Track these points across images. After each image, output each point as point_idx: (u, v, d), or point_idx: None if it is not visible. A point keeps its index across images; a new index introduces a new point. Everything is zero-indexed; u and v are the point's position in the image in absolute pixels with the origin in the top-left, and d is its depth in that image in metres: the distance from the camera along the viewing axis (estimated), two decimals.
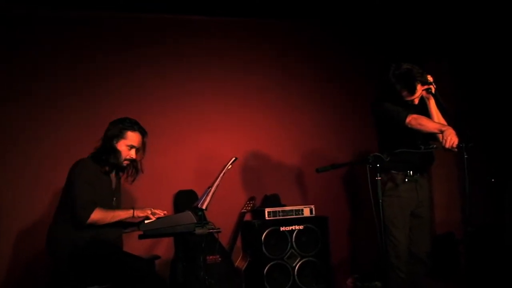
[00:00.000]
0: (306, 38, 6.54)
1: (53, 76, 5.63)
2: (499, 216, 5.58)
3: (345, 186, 6.47)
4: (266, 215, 5.67)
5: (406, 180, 4.33)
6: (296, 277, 5.64)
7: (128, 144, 4.18)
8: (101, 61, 5.78)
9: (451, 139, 3.91)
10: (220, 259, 5.40)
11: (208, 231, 4.23)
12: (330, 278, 5.81)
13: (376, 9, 6.19)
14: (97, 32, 5.82)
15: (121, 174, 4.34)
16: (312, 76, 6.50)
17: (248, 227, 5.77)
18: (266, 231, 5.61)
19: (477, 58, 6.03)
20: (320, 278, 5.71)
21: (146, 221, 4.14)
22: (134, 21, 5.94)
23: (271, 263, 5.58)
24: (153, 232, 4.14)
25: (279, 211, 5.73)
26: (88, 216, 3.96)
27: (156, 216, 4.17)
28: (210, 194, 4.36)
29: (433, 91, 4.23)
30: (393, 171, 4.34)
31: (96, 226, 4.01)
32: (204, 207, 4.32)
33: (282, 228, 5.67)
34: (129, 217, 4.15)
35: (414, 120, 4.12)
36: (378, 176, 4.03)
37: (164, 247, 5.68)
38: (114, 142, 4.15)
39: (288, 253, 5.67)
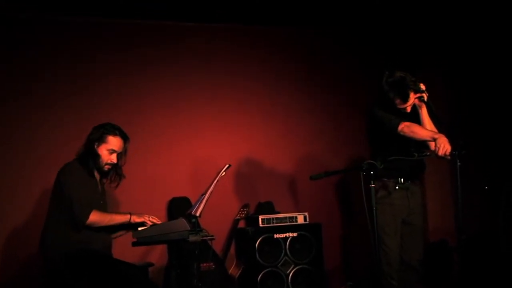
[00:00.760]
0: (301, 45, 6.56)
1: (51, 78, 5.64)
2: (493, 223, 5.59)
3: (338, 193, 6.47)
4: (260, 222, 5.67)
5: (397, 187, 4.34)
6: (290, 284, 5.62)
7: (109, 149, 4.19)
8: (97, 65, 5.79)
9: (444, 146, 3.92)
10: (213, 266, 5.40)
11: (201, 238, 4.23)
12: (324, 285, 5.80)
13: (371, 17, 6.22)
14: (94, 36, 5.83)
15: (104, 180, 4.35)
16: (307, 82, 6.51)
17: (242, 234, 5.76)
18: (260, 238, 5.60)
19: (470, 66, 6.05)
20: (314, 285, 5.70)
21: (139, 228, 4.14)
22: (131, 26, 5.95)
23: (265, 270, 5.57)
24: (146, 239, 4.14)
25: (273, 218, 5.73)
26: (87, 217, 3.99)
27: (150, 223, 4.17)
28: (204, 201, 4.36)
29: (425, 99, 4.24)
30: (384, 179, 4.35)
31: (88, 231, 4.02)
32: (197, 214, 4.32)
33: (276, 235, 5.67)
34: (125, 222, 4.15)
35: (407, 128, 4.13)
36: (372, 183, 4.03)
37: (157, 254, 5.67)
38: (95, 146, 4.18)
39: (282, 261, 5.66)
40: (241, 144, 6.19)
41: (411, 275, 4.45)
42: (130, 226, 4.23)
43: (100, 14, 5.74)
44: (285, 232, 5.69)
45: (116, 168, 4.30)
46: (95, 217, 4.03)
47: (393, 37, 6.55)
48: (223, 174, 4.49)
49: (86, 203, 4.04)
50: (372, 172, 4.01)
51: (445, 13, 5.87)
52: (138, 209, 4.72)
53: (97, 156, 4.17)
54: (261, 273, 5.54)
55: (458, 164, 3.87)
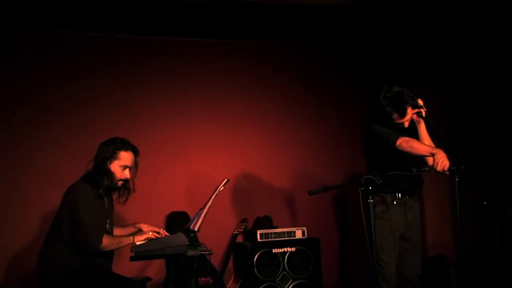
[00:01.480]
0: (300, 60, 6.58)
1: (44, 95, 5.64)
2: (491, 238, 5.60)
3: (336, 208, 6.47)
4: (258, 237, 5.66)
5: (395, 202, 4.34)
6: None
7: (121, 165, 4.14)
8: (91, 81, 5.80)
9: (442, 162, 3.92)
10: (211, 281, 5.37)
11: (200, 252, 4.23)
12: None
13: (370, 33, 6.25)
14: (86, 52, 5.84)
15: (113, 193, 4.29)
16: (305, 97, 6.53)
17: (240, 249, 5.75)
18: (258, 253, 5.60)
19: (466, 82, 6.08)
20: None
21: (138, 243, 4.13)
22: (125, 42, 5.97)
23: (263, 285, 5.56)
24: (144, 253, 4.12)
25: (271, 233, 5.73)
26: (101, 242, 3.94)
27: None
28: (202, 215, 4.36)
29: (423, 114, 4.24)
30: (382, 194, 4.34)
31: (91, 253, 3.99)
32: (196, 228, 4.31)
33: (274, 250, 5.66)
34: (130, 244, 4.13)
35: (405, 143, 4.12)
36: (370, 198, 4.02)
37: (155, 269, 5.66)
38: (107, 163, 4.11)
39: (280, 275, 5.65)
40: (239, 159, 6.20)
41: None
42: None
43: (95, 28, 5.75)
44: (284, 247, 5.68)
45: (126, 183, 4.24)
46: (107, 242, 3.99)
47: (390, 52, 6.57)
48: (221, 189, 4.50)
49: (99, 228, 3.98)
50: (370, 187, 4.01)
51: (441, 28, 5.89)
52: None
53: (111, 173, 4.10)
54: None
55: (457, 179, 3.88)
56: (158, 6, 5.38)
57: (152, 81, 6.01)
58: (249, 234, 5.86)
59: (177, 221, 5.69)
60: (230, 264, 5.81)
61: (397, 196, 4.34)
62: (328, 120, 6.57)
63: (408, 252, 4.43)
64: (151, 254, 4.15)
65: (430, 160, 4.11)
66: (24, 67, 5.62)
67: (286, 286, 5.64)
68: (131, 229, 4.40)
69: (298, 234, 5.81)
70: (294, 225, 6.08)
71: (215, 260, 5.61)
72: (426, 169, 4.17)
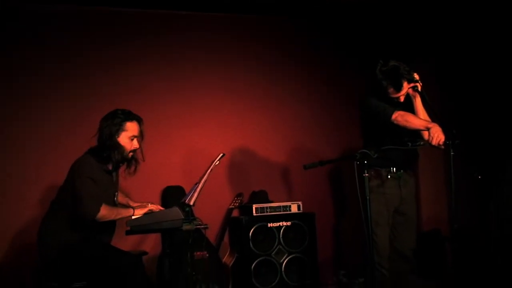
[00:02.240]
0: (295, 35, 6.55)
1: (41, 73, 5.63)
2: (486, 213, 5.62)
3: (331, 182, 6.49)
4: (254, 211, 5.68)
5: (389, 176, 4.34)
6: (283, 273, 5.65)
7: (130, 136, 4.11)
8: (87, 56, 5.78)
9: (438, 136, 3.92)
10: (207, 255, 5.40)
11: (195, 227, 4.24)
12: (317, 274, 5.82)
13: (366, 8, 6.21)
14: (83, 27, 5.83)
15: (121, 165, 4.25)
16: (300, 72, 6.52)
17: (236, 223, 5.77)
18: (254, 227, 5.62)
19: (463, 57, 6.06)
20: (307, 274, 5.72)
21: (133, 217, 4.13)
22: (121, 16, 5.94)
23: (259, 259, 5.60)
24: (140, 228, 4.13)
25: (266, 207, 5.74)
26: (98, 211, 3.92)
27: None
28: (198, 190, 4.36)
29: (419, 89, 4.23)
30: (377, 168, 4.35)
31: (92, 226, 4.00)
32: (191, 203, 4.32)
33: (269, 224, 5.68)
34: (129, 216, 4.12)
35: (401, 117, 4.12)
36: (365, 173, 4.02)
37: (151, 243, 5.68)
38: (116, 137, 4.07)
39: (276, 249, 5.68)
40: (235, 133, 6.20)
41: (403, 265, 4.46)
42: None
43: (91, 2, 5.72)
44: (279, 221, 5.71)
45: (134, 154, 4.21)
46: (104, 212, 3.96)
47: (387, 29, 6.54)
48: (217, 163, 4.50)
49: (96, 198, 3.97)
50: (365, 162, 4.00)
51: (437, 3, 5.86)
52: (132, 198, 4.73)
53: (120, 147, 4.08)
54: (255, 262, 5.57)
55: (452, 153, 3.88)
56: None
57: (148, 56, 5.99)
58: (245, 209, 5.88)
59: (172, 195, 5.71)
60: (226, 238, 5.84)
61: (392, 170, 4.35)
62: (325, 95, 6.56)
63: (403, 226, 4.45)
64: (147, 228, 4.16)
65: (425, 135, 4.11)
66: (24, 42, 5.60)
67: (282, 260, 5.67)
68: (135, 205, 4.39)
69: (294, 209, 5.83)
70: (290, 199, 6.10)
71: (211, 234, 5.65)
72: (422, 143, 4.17)
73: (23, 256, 5.21)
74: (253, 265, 5.56)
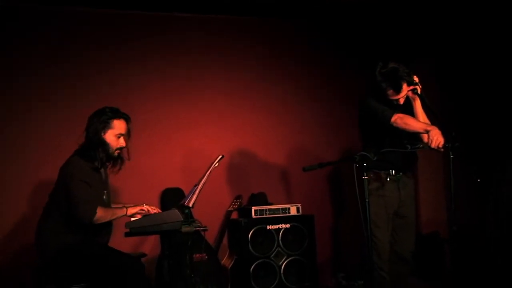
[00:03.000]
0: (295, 35, 6.55)
1: (38, 72, 5.62)
2: (485, 213, 5.62)
3: (330, 185, 6.48)
4: (253, 214, 5.68)
5: (388, 179, 4.34)
6: (282, 275, 5.64)
7: (116, 134, 4.10)
8: (87, 56, 5.78)
9: (437, 139, 3.92)
10: (206, 257, 5.41)
11: (194, 229, 4.24)
12: (316, 276, 5.82)
13: (366, 9, 6.21)
14: (83, 27, 5.82)
15: (108, 164, 4.24)
16: (300, 73, 6.51)
17: (235, 226, 5.76)
18: (253, 229, 5.61)
19: (462, 57, 6.06)
20: (306, 276, 5.72)
21: (132, 219, 4.13)
22: (122, 17, 5.93)
23: (258, 261, 5.59)
24: (139, 229, 4.13)
25: (265, 210, 5.73)
26: (94, 214, 3.92)
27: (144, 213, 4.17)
28: (197, 192, 4.36)
29: (419, 91, 4.23)
30: (376, 170, 4.35)
31: (88, 228, 4.00)
32: (190, 205, 4.32)
33: (268, 227, 5.67)
34: (123, 216, 4.12)
35: (400, 119, 4.12)
36: (365, 175, 4.01)
37: (150, 245, 5.68)
38: (101, 134, 4.07)
39: (275, 252, 5.67)
40: (234, 135, 6.19)
41: (403, 267, 4.46)
42: None
43: (89, 4, 5.72)
44: (278, 224, 5.70)
45: (120, 152, 4.21)
46: (100, 214, 3.97)
47: (387, 29, 6.54)
48: (216, 165, 4.49)
49: (92, 201, 3.97)
50: (365, 164, 4.00)
51: (438, 3, 5.87)
52: (131, 200, 4.72)
53: (106, 144, 4.08)
54: (254, 264, 5.56)
55: (451, 156, 3.88)
56: None
57: (149, 57, 5.99)
58: (244, 211, 5.87)
59: (171, 198, 5.70)
60: (225, 241, 5.83)
61: (391, 173, 4.35)
62: (325, 95, 6.56)
63: (402, 229, 4.45)
64: (146, 230, 4.15)
65: (424, 137, 4.10)
66: (24, 42, 5.60)
67: (281, 263, 5.67)
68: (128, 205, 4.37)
69: (293, 211, 5.82)
70: (289, 201, 6.10)
71: (210, 237, 5.63)
72: (421, 146, 4.17)
73: (23, 256, 5.20)
74: (252, 267, 5.55)
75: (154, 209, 4.24)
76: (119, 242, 4.54)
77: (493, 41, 5.69)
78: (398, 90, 4.18)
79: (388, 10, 6.18)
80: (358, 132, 4.65)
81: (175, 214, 4.14)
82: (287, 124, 6.40)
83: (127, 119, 4.19)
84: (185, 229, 4.15)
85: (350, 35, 6.66)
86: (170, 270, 5.11)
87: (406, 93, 4.23)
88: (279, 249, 5.69)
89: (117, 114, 4.14)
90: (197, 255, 5.32)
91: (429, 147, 3.97)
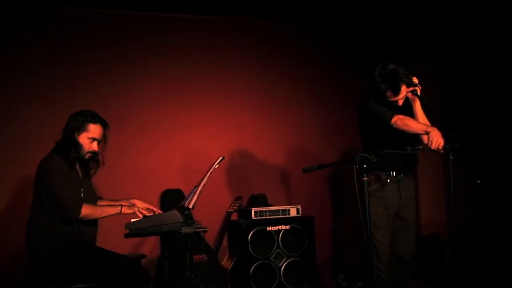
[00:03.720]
0: (295, 37, 6.55)
1: (39, 71, 5.62)
2: (484, 215, 5.62)
3: (330, 186, 6.48)
4: (253, 215, 5.67)
5: (389, 180, 4.33)
6: (282, 276, 5.64)
7: (89, 137, 4.12)
8: (87, 56, 5.78)
9: (437, 140, 3.91)
10: (206, 258, 5.40)
11: (194, 230, 4.22)
12: (316, 278, 5.82)
13: (366, 9, 6.20)
14: (83, 27, 5.82)
15: (90, 165, 4.27)
16: (300, 74, 6.51)
17: (235, 227, 5.76)
18: (253, 230, 5.61)
19: (462, 57, 6.06)
20: (306, 278, 5.72)
21: (132, 220, 4.12)
22: (122, 17, 5.94)
23: (257, 262, 5.59)
24: (139, 231, 4.12)
25: (265, 211, 5.73)
26: (79, 212, 3.94)
27: (141, 216, 4.16)
28: (197, 193, 4.35)
29: (418, 93, 4.22)
30: (376, 172, 4.34)
31: (76, 224, 4.00)
32: (191, 206, 4.31)
33: (268, 228, 5.68)
34: (116, 214, 4.11)
35: (400, 121, 4.11)
36: (365, 176, 4.00)
37: (150, 246, 5.68)
38: (76, 135, 4.10)
39: (275, 253, 5.67)
40: (234, 136, 6.19)
41: (403, 269, 4.45)
42: None
43: (89, 4, 5.72)
44: (278, 225, 5.70)
45: (95, 156, 4.22)
46: (87, 211, 3.99)
47: (387, 29, 6.53)
48: (216, 167, 4.48)
49: (75, 197, 3.99)
50: (365, 166, 3.99)
51: (437, 4, 5.86)
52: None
53: (78, 145, 4.10)
54: (254, 266, 5.56)
55: (451, 158, 3.87)
56: None
57: (148, 58, 5.99)
58: (244, 212, 5.87)
59: (171, 199, 5.70)
60: (225, 242, 5.83)
61: (391, 174, 4.34)
62: (325, 98, 6.56)
63: (402, 230, 4.44)
64: (146, 231, 4.14)
65: (425, 139, 4.09)
66: (24, 42, 5.60)
67: (280, 264, 5.67)
68: (123, 203, 4.35)
69: (293, 212, 5.82)
70: (289, 203, 6.10)
71: (210, 238, 5.63)
72: (421, 147, 4.16)
73: (23, 257, 5.15)
74: (252, 268, 5.55)
75: (149, 212, 4.22)
76: (119, 243, 4.54)
77: (493, 41, 5.69)
78: (396, 92, 4.18)
79: (388, 10, 6.18)
80: (358, 133, 4.64)
81: (175, 215, 4.13)
82: (287, 125, 6.40)
83: (104, 125, 4.21)
84: (185, 230, 4.14)
85: (350, 35, 6.66)
86: (170, 271, 5.11)
87: (405, 95, 4.23)
88: (279, 250, 5.68)
89: (95, 118, 4.17)
90: (197, 256, 5.32)
91: (429, 148, 3.96)
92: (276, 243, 5.67)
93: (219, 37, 6.26)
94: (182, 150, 6.00)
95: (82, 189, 4.18)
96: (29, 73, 5.58)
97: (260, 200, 5.98)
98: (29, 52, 5.60)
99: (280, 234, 5.69)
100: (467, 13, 5.83)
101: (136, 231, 4.12)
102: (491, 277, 5.33)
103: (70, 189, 3.99)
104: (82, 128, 4.11)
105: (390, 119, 4.14)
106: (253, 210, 5.70)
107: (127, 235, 4.16)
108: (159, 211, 4.29)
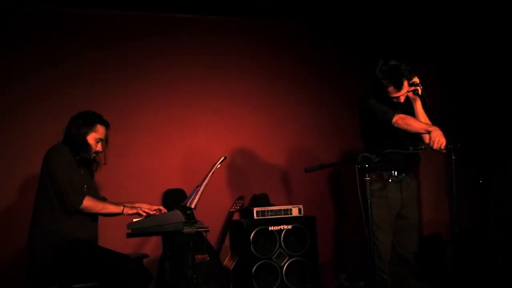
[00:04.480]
0: (296, 38, 6.55)
1: (39, 71, 5.63)
2: (485, 215, 5.62)
3: (333, 186, 6.48)
4: (255, 215, 5.68)
5: (391, 180, 4.32)
6: (284, 276, 5.64)
7: (97, 138, 4.17)
8: (87, 57, 5.78)
9: (439, 140, 3.89)
10: (208, 258, 5.40)
11: (196, 230, 4.22)
12: (318, 277, 5.81)
13: (366, 9, 6.20)
14: (84, 27, 5.82)
15: (95, 164, 4.30)
16: (301, 74, 6.51)
17: (237, 227, 5.76)
18: (255, 230, 5.61)
19: (463, 57, 6.07)
20: (307, 277, 5.71)
21: (134, 220, 4.12)
22: (122, 18, 5.94)
23: (259, 262, 5.59)
24: (141, 230, 4.11)
25: (267, 211, 5.73)
26: (81, 202, 3.96)
27: (144, 214, 4.16)
28: (199, 193, 4.34)
29: (419, 92, 4.21)
30: (378, 171, 4.33)
31: (78, 222, 4.01)
32: (193, 206, 4.30)
33: (270, 228, 5.68)
34: (118, 213, 4.12)
35: (401, 120, 4.09)
36: (367, 176, 3.99)
37: (152, 246, 5.68)
38: (85, 136, 4.13)
39: (277, 253, 5.67)
40: (236, 136, 6.19)
41: (404, 269, 4.45)
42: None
43: (92, 5, 5.72)
44: (280, 225, 5.70)
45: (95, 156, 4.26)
46: (89, 203, 3.99)
47: (387, 29, 6.53)
48: (218, 166, 4.48)
49: (79, 187, 4.01)
50: (367, 165, 3.98)
51: (438, 7, 5.87)
52: (132, 200, 4.71)
53: (88, 145, 4.13)
54: (256, 265, 5.57)
55: (453, 158, 3.86)
56: None
57: (149, 58, 5.98)
58: (246, 212, 5.87)
59: (173, 198, 5.70)
60: (227, 242, 5.83)
61: (393, 173, 4.33)
62: (325, 98, 6.56)
63: (404, 230, 4.43)
64: (148, 231, 4.14)
65: (426, 138, 4.07)
66: (24, 42, 5.61)
67: (282, 264, 5.67)
68: (127, 205, 4.35)
69: (295, 212, 5.82)
70: (291, 202, 6.09)
71: (212, 238, 5.63)
72: (423, 147, 4.14)
73: (23, 257, 5.16)
74: (254, 268, 5.55)
75: (152, 211, 4.22)
76: (121, 243, 4.54)
77: (493, 41, 5.70)
78: (399, 87, 4.16)
79: (388, 9, 6.17)
80: (358, 133, 4.64)
81: (177, 215, 4.13)
82: (287, 125, 6.40)
83: (107, 126, 4.27)
84: (187, 230, 4.14)
85: (350, 35, 6.66)
86: (172, 271, 5.12)
87: (407, 91, 4.21)
88: (281, 250, 5.68)
89: (101, 119, 4.22)
90: (199, 256, 5.32)
91: (431, 148, 3.95)
92: (278, 243, 5.67)
93: (219, 37, 6.26)
94: (184, 150, 6.00)
95: (85, 186, 4.19)
96: (29, 73, 5.58)
97: (262, 200, 5.98)
98: (29, 52, 5.60)
99: (282, 234, 5.69)
100: (467, 13, 5.83)
101: (138, 230, 4.11)
102: (492, 278, 5.33)
103: (74, 179, 4.01)
104: (91, 129, 4.15)
105: (391, 118, 4.13)
106: (255, 210, 5.70)
107: (129, 235, 4.16)
108: (166, 210, 4.29)
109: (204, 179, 4.39)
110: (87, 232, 4.13)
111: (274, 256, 5.66)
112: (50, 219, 4.00)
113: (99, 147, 4.19)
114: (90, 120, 4.17)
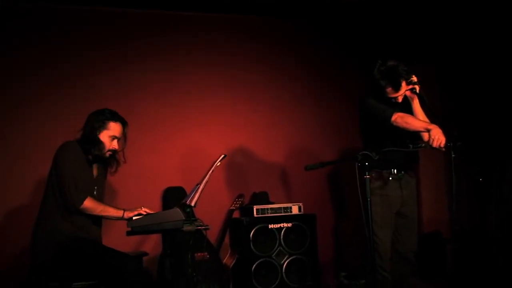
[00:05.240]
0: (297, 36, 6.56)
1: (39, 71, 5.63)
2: (486, 214, 5.62)
3: (333, 184, 6.48)
4: (255, 213, 5.68)
5: (390, 178, 4.33)
6: (284, 274, 5.64)
7: (110, 135, 4.16)
8: (87, 56, 5.78)
9: (438, 138, 3.89)
10: (208, 256, 5.40)
11: (196, 228, 4.22)
12: (318, 276, 5.82)
13: (366, 9, 6.21)
14: (83, 27, 5.83)
15: (109, 166, 4.30)
16: (301, 74, 6.52)
17: (237, 225, 5.77)
18: (255, 228, 5.61)
19: (463, 57, 6.08)
20: (307, 276, 5.72)
21: (134, 218, 4.13)
22: (122, 16, 5.94)
23: (259, 260, 5.59)
24: (141, 228, 4.11)
25: (267, 209, 5.74)
26: (83, 201, 3.96)
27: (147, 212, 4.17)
28: (199, 191, 4.35)
29: (417, 91, 4.21)
30: (378, 169, 4.33)
31: (81, 222, 4.01)
32: (192, 204, 4.31)
33: (270, 226, 5.68)
34: (118, 217, 4.12)
35: (400, 118, 4.10)
36: (367, 174, 3.99)
37: (152, 244, 5.68)
38: (97, 133, 4.12)
39: (276, 251, 5.67)
40: (236, 134, 6.20)
41: (404, 267, 4.44)
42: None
43: (93, 2, 5.73)
44: (280, 223, 5.70)
45: (115, 154, 4.25)
46: (89, 204, 3.99)
47: (387, 29, 6.54)
48: (218, 164, 4.48)
49: (82, 187, 4.00)
50: (366, 163, 3.98)
51: (438, 7, 5.87)
52: (132, 199, 4.74)
53: (100, 143, 4.12)
54: (255, 263, 5.56)
55: (453, 156, 3.86)
56: None
57: (149, 56, 5.99)
58: (246, 210, 5.87)
59: (173, 197, 5.70)
60: (227, 240, 5.84)
61: (392, 171, 4.33)
62: (325, 96, 6.57)
63: (404, 228, 4.43)
64: (148, 229, 4.14)
65: (426, 136, 4.07)
66: (23, 42, 5.61)
67: (282, 262, 5.67)
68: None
69: (295, 210, 5.82)
70: (291, 200, 6.10)
71: (212, 236, 5.64)
72: (422, 145, 4.15)
73: (24, 257, 5.19)
74: (254, 266, 5.55)
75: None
76: (121, 240, 4.54)
77: (493, 41, 5.70)
78: (397, 88, 4.16)
79: (388, 10, 6.19)
80: (358, 132, 4.64)
81: (176, 213, 4.13)
82: (288, 123, 6.41)
83: (124, 123, 4.25)
84: (186, 228, 4.14)
85: (350, 35, 6.66)
86: (172, 269, 5.12)
87: (405, 91, 4.22)
88: (281, 248, 5.69)
89: (115, 117, 4.22)
90: (199, 254, 5.33)
91: (431, 146, 3.95)
92: (278, 241, 5.67)
93: (220, 36, 6.27)
94: (184, 148, 6.00)
95: (95, 187, 4.20)
96: (29, 73, 5.58)
97: (261, 198, 5.98)
98: (29, 52, 5.60)
99: (282, 232, 5.70)
100: (467, 13, 5.83)
101: (138, 228, 4.11)
102: (492, 276, 5.33)
103: (80, 178, 4.00)
104: (103, 127, 4.15)
105: (390, 117, 4.13)
106: (255, 208, 5.70)
107: (129, 233, 4.16)
108: None
109: (204, 177, 4.39)
110: (91, 233, 4.14)
111: (274, 254, 5.66)
112: (55, 218, 4.01)
113: (114, 144, 4.19)
114: (102, 117, 4.17)
